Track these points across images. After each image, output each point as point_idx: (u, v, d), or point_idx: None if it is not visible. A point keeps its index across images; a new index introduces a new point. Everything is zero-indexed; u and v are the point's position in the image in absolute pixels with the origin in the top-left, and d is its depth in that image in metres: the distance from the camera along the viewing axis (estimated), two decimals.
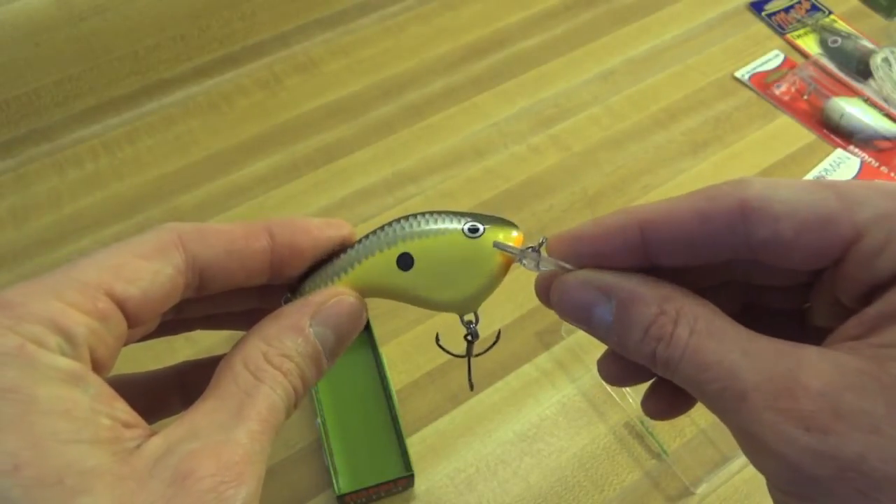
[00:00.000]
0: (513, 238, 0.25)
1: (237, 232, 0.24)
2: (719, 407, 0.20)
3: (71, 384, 0.19)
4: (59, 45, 0.58)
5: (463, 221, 0.26)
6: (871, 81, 0.67)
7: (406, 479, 0.43)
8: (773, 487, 0.20)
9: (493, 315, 0.50)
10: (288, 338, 0.23)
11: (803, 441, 0.18)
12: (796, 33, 0.71)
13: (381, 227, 0.26)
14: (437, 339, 0.28)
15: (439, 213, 0.26)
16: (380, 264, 0.26)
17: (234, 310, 0.28)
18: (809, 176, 0.61)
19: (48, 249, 0.54)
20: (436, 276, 0.25)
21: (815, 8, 0.73)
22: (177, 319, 0.26)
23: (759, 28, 0.72)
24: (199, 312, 0.27)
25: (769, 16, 0.72)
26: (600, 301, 0.22)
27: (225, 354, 0.24)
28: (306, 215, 0.56)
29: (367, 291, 0.26)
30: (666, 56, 0.69)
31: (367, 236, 0.26)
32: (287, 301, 0.26)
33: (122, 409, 0.20)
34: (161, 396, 0.27)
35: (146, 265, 0.22)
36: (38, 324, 0.19)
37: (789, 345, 0.19)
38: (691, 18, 0.72)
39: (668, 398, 0.26)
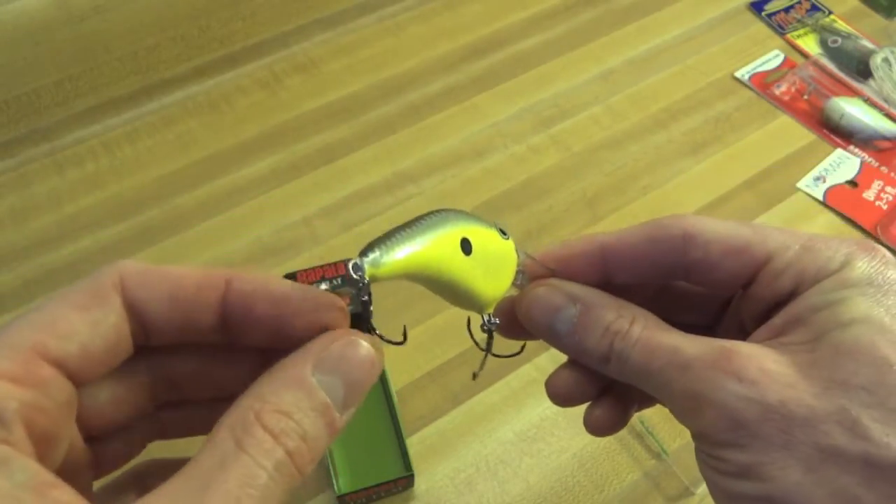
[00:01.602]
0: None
1: (188, 277, 0.22)
2: (663, 379, 0.24)
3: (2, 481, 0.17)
4: (59, 45, 0.58)
5: (489, 222, 0.27)
6: (871, 81, 0.67)
7: (406, 479, 0.43)
8: (706, 444, 0.23)
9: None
10: (286, 392, 0.20)
11: (735, 389, 0.22)
12: (796, 33, 0.71)
13: (434, 212, 0.25)
14: (474, 376, 0.30)
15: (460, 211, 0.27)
16: (448, 242, 0.25)
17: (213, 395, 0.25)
18: (809, 175, 0.61)
19: (48, 249, 0.54)
20: (486, 267, 0.26)
21: (815, 8, 0.73)
22: (150, 421, 0.24)
23: (759, 28, 0.72)
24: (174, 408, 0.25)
25: (769, 16, 0.72)
26: (567, 305, 0.26)
27: None
28: (304, 216, 0.57)
29: (431, 276, 0.25)
30: (666, 56, 0.69)
31: (421, 218, 0.25)
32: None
33: (60, 499, 0.17)
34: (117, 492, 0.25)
35: (82, 316, 0.20)
36: None
37: (720, 339, 0.24)
38: (691, 18, 0.72)
39: (608, 412, 0.29)
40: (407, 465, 0.44)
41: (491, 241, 0.27)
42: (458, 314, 0.49)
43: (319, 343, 0.21)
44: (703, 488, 0.45)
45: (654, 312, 0.27)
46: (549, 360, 0.50)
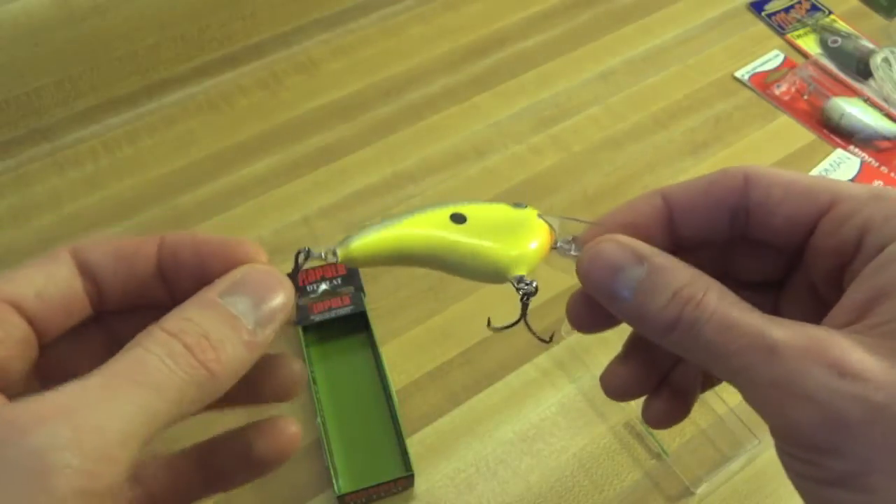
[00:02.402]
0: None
1: (128, 240, 0.24)
2: (742, 363, 0.21)
3: None
4: (59, 45, 0.58)
5: (502, 202, 0.27)
6: (871, 81, 0.67)
7: (406, 479, 0.43)
8: (795, 445, 0.20)
9: (493, 315, 0.50)
10: (191, 308, 0.21)
11: (837, 385, 0.19)
12: (796, 33, 0.71)
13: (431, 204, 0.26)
14: (489, 323, 0.28)
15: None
16: (434, 218, 0.25)
17: None
18: None
19: (48, 249, 0.54)
20: (491, 230, 0.26)
21: (815, 8, 0.73)
22: None
23: (759, 28, 0.72)
24: None
25: (769, 16, 0.72)
26: (633, 264, 0.23)
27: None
28: (304, 216, 0.57)
29: (417, 249, 0.25)
30: (666, 56, 0.69)
31: (414, 208, 0.26)
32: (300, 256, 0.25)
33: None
34: (182, 480, 0.26)
35: (37, 269, 0.22)
36: None
37: (806, 324, 0.21)
38: (691, 18, 0.72)
39: (668, 404, 0.27)
40: (407, 465, 0.44)
41: (494, 211, 0.26)
42: (457, 314, 0.50)
43: (224, 276, 0.23)
44: (703, 488, 0.45)
45: (720, 269, 0.26)
46: (550, 359, 0.50)
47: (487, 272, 0.26)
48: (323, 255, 0.25)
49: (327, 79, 0.66)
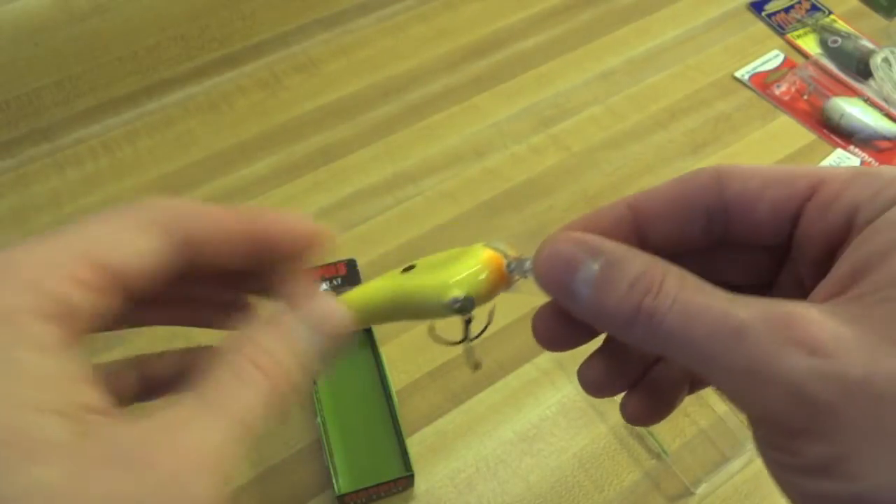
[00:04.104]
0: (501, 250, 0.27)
1: (226, 212, 0.24)
2: (710, 351, 0.19)
3: (51, 355, 0.19)
4: (59, 45, 0.58)
5: None
6: (871, 81, 0.67)
7: (406, 479, 0.43)
8: (772, 432, 0.19)
9: (496, 312, 0.50)
10: (272, 337, 0.23)
11: (809, 364, 0.18)
12: (796, 33, 0.71)
13: None
14: (432, 330, 0.28)
15: None
16: (387, 275, 0.27)
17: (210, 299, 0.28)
18: None
19: None
20: (429, 270, 0.26)
21: (815, 8, 0.73)
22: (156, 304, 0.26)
23: (759, 28, 0.72)
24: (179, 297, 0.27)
25: (769, 16, 0.72)
26: (587, 259, 0.22)
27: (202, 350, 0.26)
28: (307, 214, 0.57)
29: (372, 301, 0.27)
30: (666, 56, 0.69)
31: None
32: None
33: (93, 395, 0.20)
34: (118, 388, 0.26)
35: (135, 237, 0.23)
36: (29, 290, 0.19)
37: (774, 299, 0.20)
38: (691, 18, 0.72)
39: (645, 401, 0.27)
40: (407, 465, 0.44)
41: (443, 253, 0.27)
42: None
43: (304, 305, 0.24)
44: (703, 488, 0.45)
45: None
46: (550, 359, 0.50)
47: (431, 304, 0.26)
48: None
49: (327, 79, 0.66)
